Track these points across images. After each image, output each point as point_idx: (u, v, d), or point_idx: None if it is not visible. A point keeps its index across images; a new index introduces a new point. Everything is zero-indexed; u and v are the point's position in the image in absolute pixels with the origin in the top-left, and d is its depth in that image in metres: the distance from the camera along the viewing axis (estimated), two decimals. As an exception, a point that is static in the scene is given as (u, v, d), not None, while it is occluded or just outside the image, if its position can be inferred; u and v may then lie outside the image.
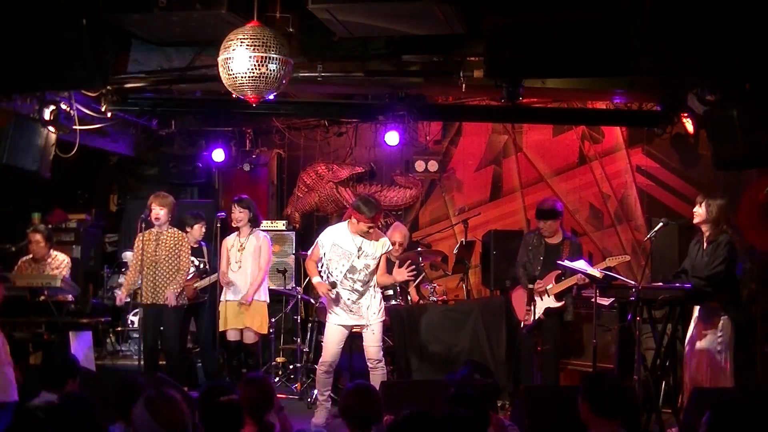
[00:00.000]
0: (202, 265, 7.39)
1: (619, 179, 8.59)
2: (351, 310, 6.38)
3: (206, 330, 7.49)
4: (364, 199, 6.37)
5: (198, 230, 7.50)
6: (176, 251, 6.96)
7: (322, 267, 6.49)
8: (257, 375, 4.48)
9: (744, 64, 5.25)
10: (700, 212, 5.93)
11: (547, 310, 6.82)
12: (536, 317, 6.86)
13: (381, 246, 6.41)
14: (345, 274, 6.35)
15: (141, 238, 6.93)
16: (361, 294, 6.38)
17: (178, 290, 6.93)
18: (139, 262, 6.88)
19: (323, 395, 6.42)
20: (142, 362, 7.03)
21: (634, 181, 8.52)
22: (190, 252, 7.10)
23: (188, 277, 7.15)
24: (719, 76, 5.64)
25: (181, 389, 4.34)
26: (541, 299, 6.88)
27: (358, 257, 6.33)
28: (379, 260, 6.42)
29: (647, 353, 6.17)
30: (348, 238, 6.35)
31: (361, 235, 6.32)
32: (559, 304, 6.80)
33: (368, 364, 6.42)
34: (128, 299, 7.37)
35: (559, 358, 7.09)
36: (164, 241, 6.94)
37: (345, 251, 6.34)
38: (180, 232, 7.10)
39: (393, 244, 7.62)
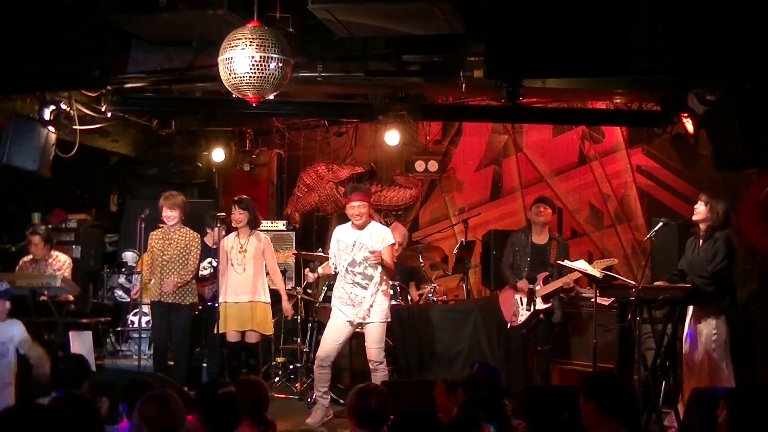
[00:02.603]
0: None
1: (619, 179, 8.60)
2: (353, 304, 6.40)
3: (210, 330, 7.47)
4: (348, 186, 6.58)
5: (218, 232, 7.50)
6: (187, 251, 6.95)
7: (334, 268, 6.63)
8: (249, 376, 4.51)
9: (744, 64, 5.25)
10: (701, 210, 5.95)
11: (536, 312, 6.83)
12: (524, 320, 6.90)
13: (380, 239, 6.42)
14: (347, 267, 6.43)
15: (151, 236, 6.98)
16: (363, 288, 6.40)
17: (180, 283, 6.91)
18: (151, 261, 6.93)
19: (319, 391, 6.43)
20: (142, 362, 7.04)
21: (634, 181, 8.52)
22: (199, 252, 7.08)
23: (206, 277, 7.15)
24: (719, 76, 5.64)
25: (181, 390, 4.35)
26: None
27: (359, 250, 6.37)
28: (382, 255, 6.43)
29: (647, 353, 6.17)
30: (348, 233, 6.46)
31: (356, 225, 6.39)
32: (546, 306, 6.83)
33: (369, 365, 6.43)
34: (128, 299, 7.36)
35: (550, 359, 7.09)
36: (176, 240, 6.94)
37: (346, 245, 6.45)
38: (192, 231, 7.09)
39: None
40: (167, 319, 6.95)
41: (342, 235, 6.51)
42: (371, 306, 6.37)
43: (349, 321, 6.43)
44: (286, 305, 7.26)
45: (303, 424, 6.33)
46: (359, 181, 9.38)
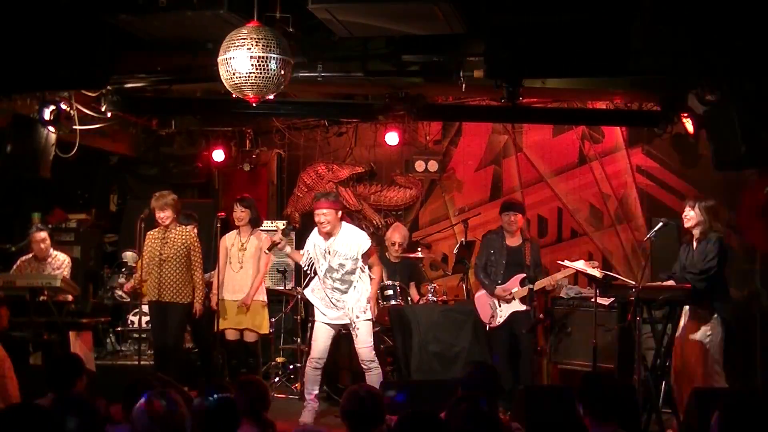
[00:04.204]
0: None
1: (619, 179, 8.60)
2: (336, 308, 6.47)
3: (205, 329, 7.47)
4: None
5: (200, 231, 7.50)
6: (185, 249, 6.92)
7: (309, 269, 6.64)
8: (250, 376, 4.51)
9: (744, 64, 5.25)
10: (690, 215, 5.95)
11: (514, 315, 6.83)
12: (502, 321, 6.94)
13: (356, 246, 6.44)
14: (325, 273, 6.48)
15: (148, 236, 6.97)
16: (343, 292, 6.47)
17: (203, 294, 6.95)
18: (147, 260, 6.94)
19: (311, 393, 6.47)
20: (142, 362, 7.03)
21: (634, 181, 8.52)
22: (199, 247, 7.08)
23: None
24: (719, 76, 5.64)
25: (181, 389, 4.34)
26: (508, 303, 6.93)
27: (333, 256, 6.41)
28: (358, 260, 6.43)
29: (647, 353, 6.17)
30: (322, 239, 6.47)
31: (323, 233, 6.41)
32: (524, 308, 6.86)
33: (362, 366, 6.48)
34: (128, 299, 7.35)
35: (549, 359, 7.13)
36: (172, 239, 6.91)
37: (322, 250, 6.47)
38: (188, 229, 7.07)
39: (392, 244, 7.68)
40: (164, 318, 6.94)
41: (318, 240, 6.52)
42: (353, 308, 6.43)
43: (329, 324, 6.49)
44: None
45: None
46: (359, 181, 9.39)
